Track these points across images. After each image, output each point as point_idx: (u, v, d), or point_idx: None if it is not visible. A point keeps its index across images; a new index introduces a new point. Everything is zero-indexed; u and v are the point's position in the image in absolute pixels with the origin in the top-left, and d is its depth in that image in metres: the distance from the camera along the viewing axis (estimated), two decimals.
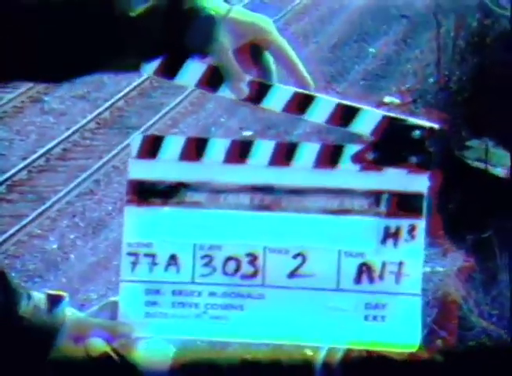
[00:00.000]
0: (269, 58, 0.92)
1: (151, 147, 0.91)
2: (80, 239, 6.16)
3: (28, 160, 6.83)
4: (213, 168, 0.91)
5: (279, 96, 0.91)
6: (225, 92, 0.91)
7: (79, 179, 6.64)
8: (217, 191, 0.91)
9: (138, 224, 0.91)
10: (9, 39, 0.85)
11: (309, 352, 4.79)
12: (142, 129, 7.14)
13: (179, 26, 0.89)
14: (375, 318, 0.91)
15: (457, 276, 5.08)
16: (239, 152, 0.91)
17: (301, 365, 4.71)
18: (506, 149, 6.22)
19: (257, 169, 0.91)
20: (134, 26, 0.88)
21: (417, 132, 0.90)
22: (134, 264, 0.91)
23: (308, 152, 0.91)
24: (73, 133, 7.25)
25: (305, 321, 0.91)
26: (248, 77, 0.91)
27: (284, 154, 0.91)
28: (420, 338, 0.90)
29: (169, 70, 0.91)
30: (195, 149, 0.91)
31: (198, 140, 0.91)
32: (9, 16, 0.85)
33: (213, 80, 0.91)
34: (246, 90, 0.90)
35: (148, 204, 0.91)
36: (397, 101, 7.09)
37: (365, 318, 0.90)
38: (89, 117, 7.46)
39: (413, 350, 0.90)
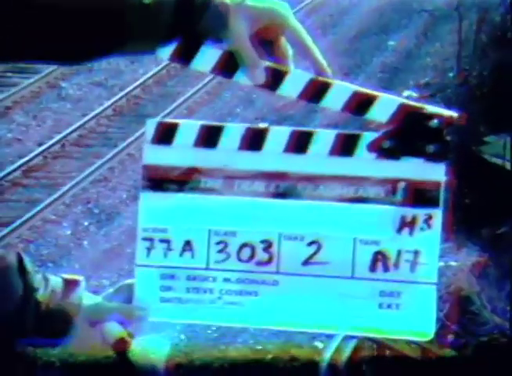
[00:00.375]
0: (286, 43, 0.91)
1: (166, 133, 0.91)
2: (93, 225, 6.18)
3: (44, 146, 6.85)
4: (228, 154, 0.91)
5: (295, 82, 0.90)
6: (240, 78, 0.90)
7: (94, 166, 6.66)
8: (232, 178, 0.91)
9: (153, 209, 0.91)
10: (25, 20, 0.86)
11: (320, 345, 4.77)
12: (158, 118, 7.13)
13: (193, 12, 0.89)
14: (389, 306, 0.90)
15: (471, 271, 5.03)
16: (255, 139, 0.91)
17: (311, 357, 4.69)
18: None
19: (273, 156, 0.90)
20: (147, 11, 0.87)
21: (435, 121, 0.89)
22: (149, 249, 0.91)
23: (324, 139, 0.91)
24: (90, 120, 7.27)
25: (319, 308, 0.91)
26: (264, 63, 0.90)
27: (299, 141, 0.91)
28: (434, 327, 0.90)
29: (184, 55, 0.90)
30: (210, 135, 0.91)
31: (213, 127, 0.91)
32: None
33: (229, 66, 0.90)
34: (262, 76, 0.89)
35: (163, 190, 0.91)
36: (415, 95, 7.04)
37: (380, 306, 0.90)
38: (106, 104, 7.48)
39: (427, 338, 0.90)
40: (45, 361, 4.23)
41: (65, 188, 6.38)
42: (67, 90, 7.81)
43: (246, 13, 0.88)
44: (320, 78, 0.90)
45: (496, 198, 5.48)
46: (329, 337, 4.56)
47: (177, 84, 7.87)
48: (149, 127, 0.92)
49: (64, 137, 7.01)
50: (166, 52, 0.90)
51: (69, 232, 6.09)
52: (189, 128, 0.91)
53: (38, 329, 0.90)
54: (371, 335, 0.92)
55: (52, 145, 6.91)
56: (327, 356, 4.57)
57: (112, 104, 7.50)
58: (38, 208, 6.15)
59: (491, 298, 4.91)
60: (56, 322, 0.90)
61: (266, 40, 0.90)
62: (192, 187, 0.91)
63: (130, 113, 7.48)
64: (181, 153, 0.91)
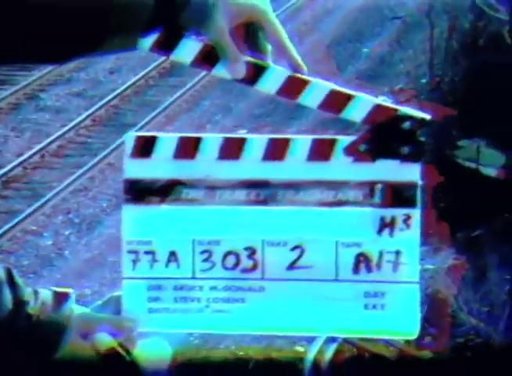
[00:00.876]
0: (264, 39, 0.91)
1: (145, 147, 0.92)
2: (74, 235, 6.20)
3: (23, 157, 6.86)
4: (207, 164, 0.92)
5: (274, 78, 0.91)
6: (220, 72, 0.91)
7: (74, 176, 6.67)
8: (213, 187, 0.92)
9: (136, 222, 0.92)
10: (9, 18, 0.85)
11: (300, 349, 4.83)
12: (137, 127, 7.19)
13: (175, 4, 0.89)
14: (374, 306, 0.91)
15: (447, 273, 5.13)
16: (233, 148, 0.92)
17: (292, 362, 4.75)
18: (498, 149, 6.28)
19: (252, 164, 0.92)
20: (129, 4, 0.88)
21: (408, 123, 0.90)
22: (134, 262, 0.92)
23: (301, 145, 0.92)
24: (69, 130, 7.28)
25: (306, 312, 0.92)
26: (244, 58, 0.90)
27: (277, 149, 0.92)
28: (419, 325, 0.91)
29: (165, 46, 0.91)
30: (189, 147, 0.92)
31: (191, 138, 0.92)
32: None
33: (209, 58, 0.91)
34: (242, 70, 0.90)
35: (145, 203, 0.92)
36: (389, 101, 7.12)
37: (365, 307, 0.92)
38: (85, 114, 7.49)
39: (413, 337, 0.92)
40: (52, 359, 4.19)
41: (45, 198, 6.40)
42: (46, 101, 7.81)
43: (227, 8, 0.89)
44: (299, 75, 0.90)
45: (470, 202, 5.58)
46: (310, 341, 4.63)
47: (156, 94, 7.89)
48: (128, 141, 0.92)
49: (44, 148, 7.03)
50: (147, 42, 0.90)
51: (50, 242, 6.10)
52: (167, 141, 0.92)
53: (29, 342, 0.90)
54: (358, 336, 0.93)
55: (32, 156, 6.91)
56: (308, 360, 4.63)
57: (91, 114, 7.52)
58: (18, 219, 6.15)
59: (467, 300, 5.01)
60: (47, 334, 0.91)
61: (246, 35, 0.91)
62: (174, 199, 0.92)
63: (109, 122, 7.51)
64: (161, 166, 0.91)
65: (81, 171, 6.75)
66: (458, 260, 5.29)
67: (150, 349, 0.92)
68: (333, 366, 4.65)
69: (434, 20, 7.30)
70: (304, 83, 0.91)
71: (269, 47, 0.92)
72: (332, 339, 4.51)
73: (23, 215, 6.20)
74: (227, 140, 0.92)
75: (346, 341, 4.53)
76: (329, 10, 9.57)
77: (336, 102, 0.91)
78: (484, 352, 4.72)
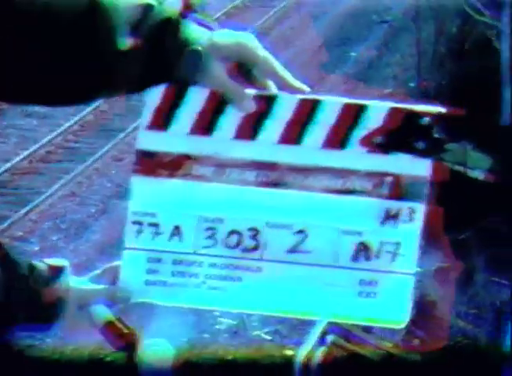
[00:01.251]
0: (261, 73, 0.92)
1: (162, 119, 0.91)
2: (61, 241, 6.18)
3: (11, 163, 6.85)
4: (222, 142, 0.91)
5: (285, 105, 0.91)
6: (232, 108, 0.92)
7: (61, 182, 6.67)
8: (223, 166, 0.92)
9: (143, 194, 0.92)
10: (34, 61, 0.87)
11: (289, 352, 4.84)
12: (125, 132, 7.18)
13: (168, 63, 0.90)
14: (368, 294, 0.93)
15: (435, 276, 5.14)
16: (249, 128, 0.91)
17: (281, 365, 4.75)
18: (485, 152, 6.31)
19: (265, 147, 0.92)
20: (123, 60, 0.89)
21: (426, 119, 0.91)
22: (138, 232, 0.92)
23: (318, 132, 0.92)
24: (57, 136, 7.28)
25: (301, 295, 0.93)
26: (251, 93, 0.91)
27: (294, 133, 0.91)
28: (408, 315, 0.93)
29: (173, 100, 0.92)
30: (206, 123, 0.91)
31: (209, 115, 0.92)
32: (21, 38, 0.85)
33: (217, 103, 0.91)
34: (252, 105, 0.91)
35: (154, 175, 0.92)
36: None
37: (359, 294, 0.93)
38: (73, 119, 7.49)
39: (401, 326, 0.93)
40: (48, 360, 4.20)
41: (32, 204, 6.38)
42: (33, 107, 7.80)
43: (218, 54, 0.90)
44: (309, 96, 0.91)
45: (458, 204, 5.61)
46: (299, 344, 4.63)
47: (143, 98, 7.87)
48: (146, 112, 0.91)
49: (31, 153, 7.01)
50: (154, 96, 0.91)
51: (37, 248, 6.09)
52: (185, 116, 0.91)
53: (28, 316, 0.91)
54: (350, 322, 0.94)
55: (19, 161, 6.90)
56: (297, 363, 4.64)
57: (79, 120, 7.51)
58: (5, 225, 6.13)
59: (454, 302, 5.02)
60: (45, 308, 0.91)
61: (241, 71, 0.92)
62: (183, 174, 0.92)
63: (97, 128, 7.51)
64: (175, 140, 0.91)
65: (68, 176, 6.74)
66: (445, 263, 5.30)
67: (153, 350, 0.92)
68: (322, 369, 4.65)
69: (420, 24, 7.34)
70: (316, 102, 0.92)
71: (268, 80, 0.92)
72: (321, 342, 4.52)
73: (10, 220, 6.18)
74: (244, 119, 0.91)
75: (335, 344, 4.53)
76: (317, 14, 9.60)
77: (351, 114, 0.92)
78: (471, 354, 4.73)
